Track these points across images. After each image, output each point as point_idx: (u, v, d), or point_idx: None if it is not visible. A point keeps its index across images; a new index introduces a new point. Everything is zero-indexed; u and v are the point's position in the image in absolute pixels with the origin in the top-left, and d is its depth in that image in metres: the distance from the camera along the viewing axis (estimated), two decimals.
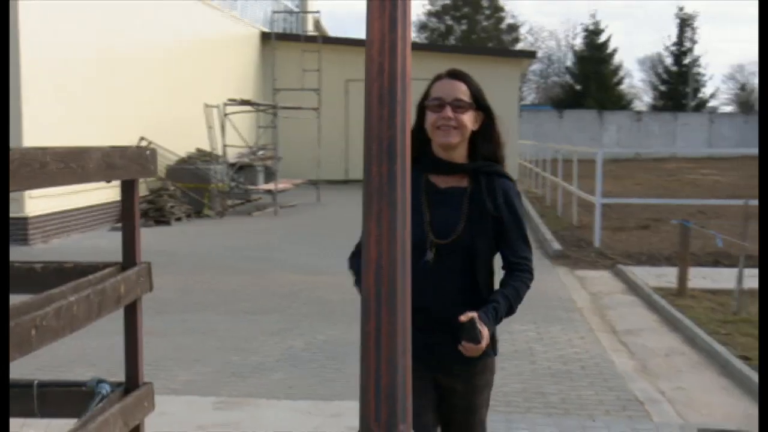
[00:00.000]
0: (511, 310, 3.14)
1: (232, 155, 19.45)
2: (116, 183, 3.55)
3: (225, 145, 18.58)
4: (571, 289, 9.73)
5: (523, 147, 28.96)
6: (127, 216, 3.87)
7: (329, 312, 8.30)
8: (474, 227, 3.13)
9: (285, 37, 27.08)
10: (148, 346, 4.10)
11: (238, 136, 19.34)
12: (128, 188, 3.91)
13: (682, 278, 9.39)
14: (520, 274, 3.16)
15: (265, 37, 26.33)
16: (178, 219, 16.03)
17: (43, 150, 2.85)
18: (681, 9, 63.54)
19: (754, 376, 5.74)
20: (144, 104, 16.58)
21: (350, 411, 5.28)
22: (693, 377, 6.36)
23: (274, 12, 28.32)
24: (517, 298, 3.14)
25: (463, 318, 2.87)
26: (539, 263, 10.93)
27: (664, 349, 7.13)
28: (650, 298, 9.02)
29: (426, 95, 3.19)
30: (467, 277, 3.15)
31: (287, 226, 15.74)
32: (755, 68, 69.45)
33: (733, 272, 8.86)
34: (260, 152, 20.97)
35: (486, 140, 3.20)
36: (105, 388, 4.05)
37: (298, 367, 6.35)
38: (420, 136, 3.16)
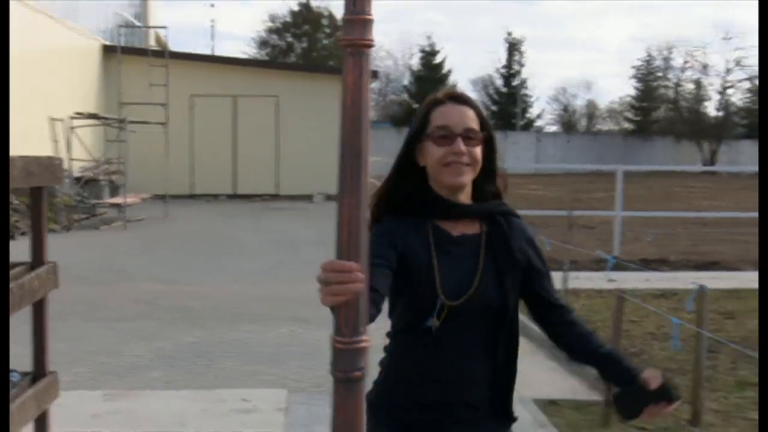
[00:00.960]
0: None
1: (77, 169, 19.22)
2: None
3: (71, 159, 18.37)
4: None
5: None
6: (36, 220, 4.19)
7: (193, 318, 8.66)
8: (496, 281, 2.55)
9: (131, 51, 26.84)
10: (22, 353, 4.27)
11: (83, 150, 19.12)
12: (37, 194, 4.23)
13: None
14: (578, 319, 2.66)
15: (108, 50, 26.00)
16: (23, 233, 15.68)
17: None
18: (510, 33, 65.40)
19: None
20: None
21: (232, 397, 5.75)
22: (526, 361, 7.16)
23: (120, 26, 27.98)
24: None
25: (654, 376, 2.34)
26: None
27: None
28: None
29: (423, 124, 2.58)
30: (486, 346, 2.56)
31: (137, 240, 15.78)
32: (576, 90, 73.96)
33: (558, 274, 9.98)
34: (105, 166, 20.78)
35: (490, 174, 2.63)
36: (15, 376, 4.33)
37: (171, 365, 6.72)
38: (412, 174, 2.62)
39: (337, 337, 1.73)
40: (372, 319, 2.16)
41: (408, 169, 2.57)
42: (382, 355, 2.57)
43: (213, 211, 23.11)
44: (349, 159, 1.75)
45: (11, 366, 4.20)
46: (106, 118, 20.73)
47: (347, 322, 1.72)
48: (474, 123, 2.48)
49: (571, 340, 2.55)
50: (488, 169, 2.55)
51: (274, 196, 27.54)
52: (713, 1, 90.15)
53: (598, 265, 11.50)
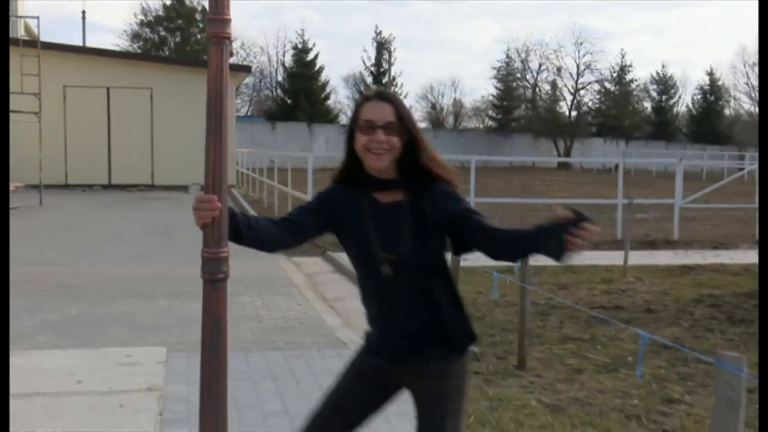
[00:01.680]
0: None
1: None
2: None
3: None
4: (289, 272, 11.00)
5: (240, 155, 30.02)
6: None
7: (75, 294, 8.94)
8: (420, 240, 2.98)
9: None
10: None
11: None
12: None
13: None
14: (505, 230, 2.94)
15: None
16: None
17: None
18: (379, 33, 65.15)
19: None
20: None
21: (116, 354, 6.19)
22: None
23: None
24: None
25: (564, 212, 2.62)
26: (260, 254, 12.35)
27: (362, 309, 8.64)
28: (353, 274, 10.52)
29: (355, 118, 3.03)
30: (423, 288, 2.98)
31: (12, 228, 15.68)
32: (445, 90, 75.40)
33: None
34: None
35: (415, 155, 2.99)
36: None
37: (57, 334, 7.06)
38: (352, 157, 3.05)
39: (204, 248, 2.52)
40: (287, 245, 2.98)
41: (350, 151, 2.99)
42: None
43: (89, 200, 22.90)
44: (213, 117, 2.58)
45: None
46: None
47: (213, 237, 2.54)
48: (393, 117, 2.88)
49: (506, 240, 2.84)
50: (412, 152, 2.92)
51: (150, 186, 27.45)
52: (569, 9, 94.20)
53: None
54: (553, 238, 2.53)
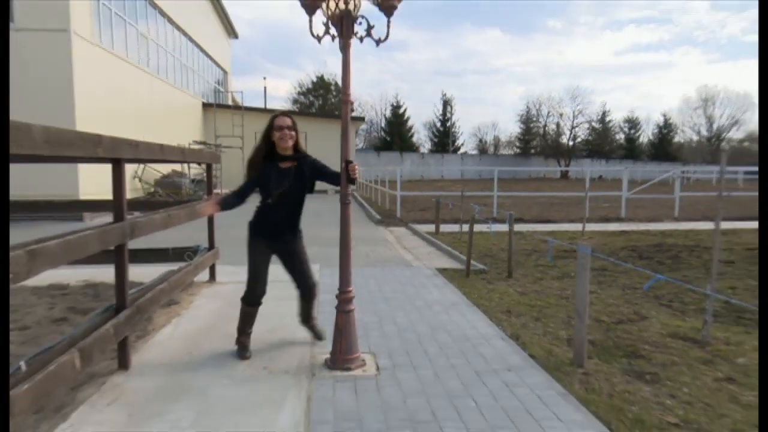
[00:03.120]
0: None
1: (193, 174, 20.36)
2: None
3: (189, 168, 19.66)
4: (386, 234, 11.49)
5: (365, 174, 30.75)
6: (209, 184, 5.72)
7: None
8: (294, 185, 3.57)
9: (220, 106, 27.21)
10: None
11: (196, 163, 20.23)
12: (209, 168, 5.72)
13: (437, 228, 11.41)
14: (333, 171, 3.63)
15: (206, 105, 26.29)
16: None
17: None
18: (444, 94, 66.98)
19: (461, 256, 8.18)
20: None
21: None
22: (436, 259, 8.41)
23: (216, 92, 28.80)
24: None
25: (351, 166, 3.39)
26: (370, 226, 12.96)
27: (426, 252, 9.06)
28: (423, 235, 10.70)
29: (271, 125, 3.57)
30: (292, 209, 3.64)
31: (232, 215, 16.98)
32: (488, 129, 74.45)
33: (457, 226, 11.37)
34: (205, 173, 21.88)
35: (299, 144, 3.64)
36: (201, 248, 5.81)
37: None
38: (268, 145, 3.58)
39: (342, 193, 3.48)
40: (236, 206, 3.61)
41: (267, 141, 3.56)
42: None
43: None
44: (344, 146, 3.37)
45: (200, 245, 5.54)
46: (209, 144, 21.83)
47: (343, 189, 3.47)
48: (291, 123, 3.53)
49: (335, 177, 3.55)
50: (297, 143, 3.57)
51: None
52: (569, 74, 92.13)
53: (485, 219, 12.63)
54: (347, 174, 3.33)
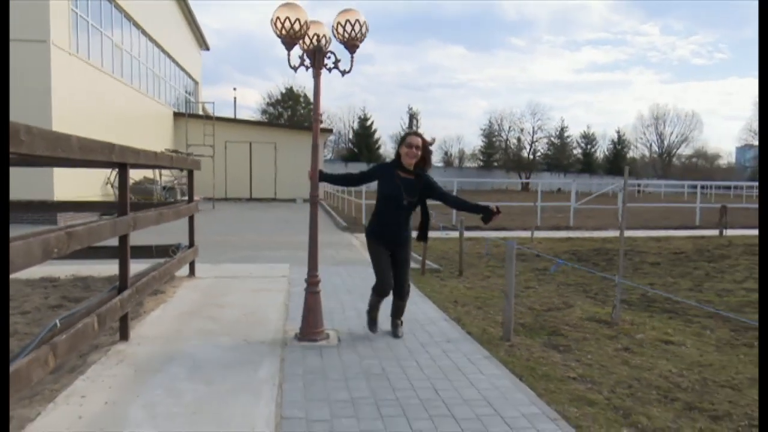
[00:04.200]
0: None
1: (164, 181, 20.46)
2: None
3: (161, 175, 19.88)
4: (351, 239, 12.06)
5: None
6: (190, 189, 6.30)
7: (240, 247, 10.34)
8: (415, 195, 3.97)
9: (192, 115, 27.22)
10: None
11: (167, 171, 20.47)
12: (191, 174, 6.30)
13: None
14: (458, 197, 4.11)
15: (177, 114, 26.32)
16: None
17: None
18: (410, 108, 68.16)
19: (418, 257, 8.87)
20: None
21: (264, 266, 7.60)
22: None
23: (187, 101, 28.83)
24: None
25: (492, 207, 3.87)
26: (336, 232, 13.49)
27: None
28: None
29: (403, 139, 3.97)
30: (410, 215, 4.06)
31: (200, 220, 17.29)
32: (453, 142, 75.53)
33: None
34: (175, 180, 22.19)
35: (423, 163, 4.01)
36: (182, 245, 6.35)
37: (235, 261, 8.71)
38: (397, 156, 3.98)
39: (311, 191, 4.19)
40: (354, 185, 4.31)
41: (397, 155, 4.03)
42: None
43: (240, 206, 23.54)
44: (313, 156, 4.15)
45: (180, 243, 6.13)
46: (179, 152, 22.04)
47: (313, 187, 4.17)
48: (419, 143, 3.94)
49: (461, 204, 4.05)
50: (424, 161, 3.99)
51: (274, 199, 27.59)
52: (530, 91, 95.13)
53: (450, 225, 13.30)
54: (485, 216, 3.84)
